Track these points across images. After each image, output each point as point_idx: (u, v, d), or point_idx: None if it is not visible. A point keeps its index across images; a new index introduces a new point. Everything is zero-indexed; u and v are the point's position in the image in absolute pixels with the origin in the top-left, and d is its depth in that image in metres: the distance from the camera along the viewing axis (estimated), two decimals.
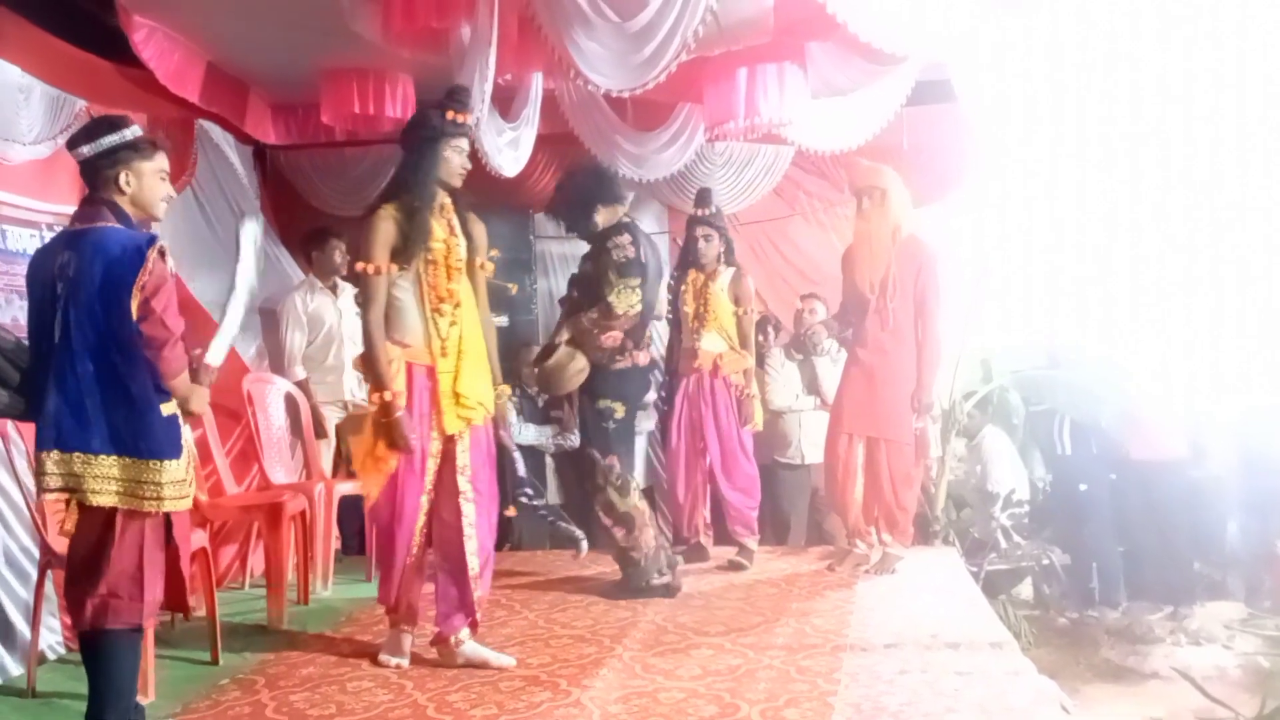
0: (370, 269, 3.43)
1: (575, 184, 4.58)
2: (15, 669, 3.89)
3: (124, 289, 2.72)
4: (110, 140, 2.87)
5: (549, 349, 4.55)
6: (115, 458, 2.77)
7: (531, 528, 6.16)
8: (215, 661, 3.78)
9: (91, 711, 2.82)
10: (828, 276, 6.40)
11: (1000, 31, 4.56)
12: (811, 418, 5.82)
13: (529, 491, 5.98)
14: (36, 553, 4.11)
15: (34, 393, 2.82)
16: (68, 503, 2.80)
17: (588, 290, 4.52)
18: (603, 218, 4.46)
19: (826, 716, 3.02)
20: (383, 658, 3.66)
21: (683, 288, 5.15)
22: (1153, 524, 5.95)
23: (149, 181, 2.92)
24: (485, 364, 3.64)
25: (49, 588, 3.66)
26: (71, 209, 4.65)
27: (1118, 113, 5.41)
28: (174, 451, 2.82)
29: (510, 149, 5.04)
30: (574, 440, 6.13)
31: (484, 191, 6.55)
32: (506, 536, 6.16)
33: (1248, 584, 6.05)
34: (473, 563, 3.54)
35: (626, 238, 4.38)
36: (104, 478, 2.76)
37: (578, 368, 4.46)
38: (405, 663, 3.63)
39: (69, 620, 4.12)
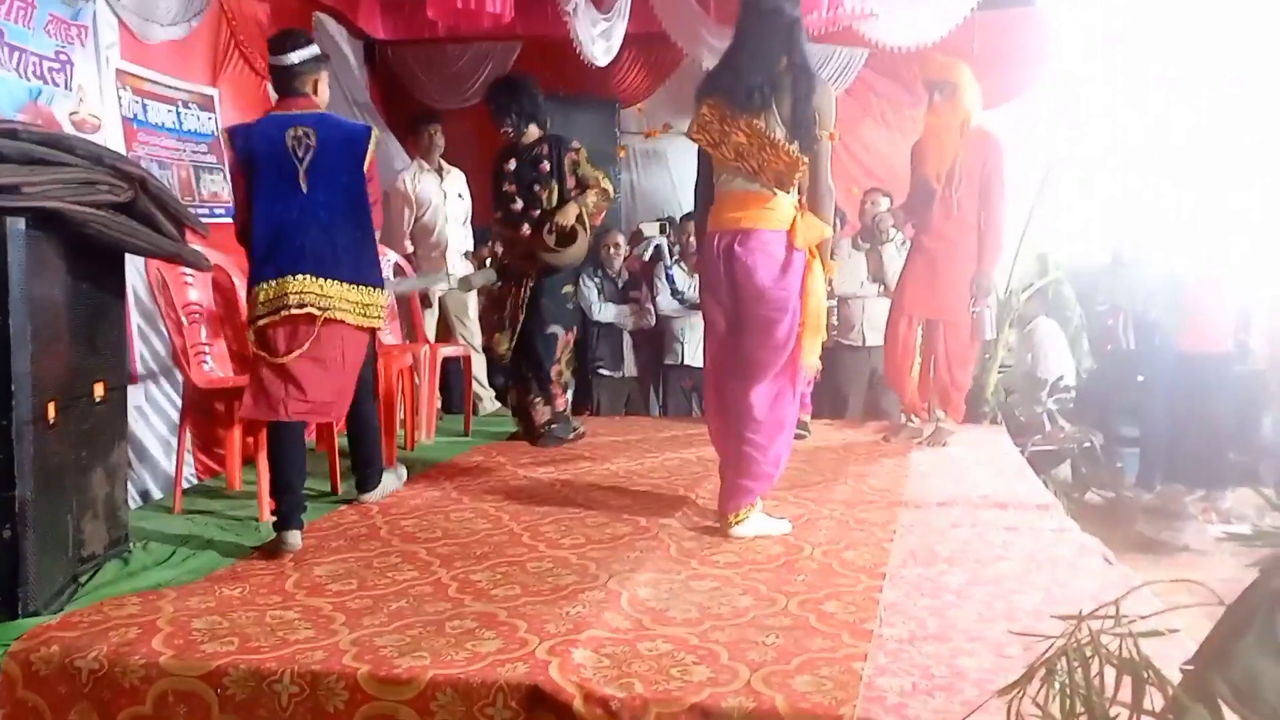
0: (832, 137, 3.29)
1: (530, 89, 4.66)
2: (157, 493, 4.07)
3: (360, 158, 3.28)
4: (313, 50, 3.39)
5: (569, 231, 4.53)
6: (353, 285, 3.25)
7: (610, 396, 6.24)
8: (335, 491, 3.90)
9: (361, 462, 3.74)
10: (894, 174, 6.22)
11: None
12: (874, 304, 5.71)
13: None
14: (174, 396, 4.28)
15: (249, 233, 3.28)
16: (293, 320, 3.18)
17: (543, 184, 4.59)
18: (537, 128, 4.65)
19: (883, 559, 3.02)
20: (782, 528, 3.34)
21: None
22: (1193, 414, 5.79)
23: (325, 85, 3.47)
24: None
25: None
26: (203, 87, 4.75)
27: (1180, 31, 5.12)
28: (383, 283, 3.43)
29: (603, 39, 4.93)
30: (650, 320, 6.14)
31: (575, 83, 6.52)
32: (586, 404, 6.25)
33: (1278, 473, 5.88)
34: None
35: (576, 143, 4.68)
36: (345, 300, 3.23)
37: (586, 246, 4.70)
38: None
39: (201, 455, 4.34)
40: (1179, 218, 6.00)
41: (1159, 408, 5.89)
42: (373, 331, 3.42)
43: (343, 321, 3.22)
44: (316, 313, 3.17)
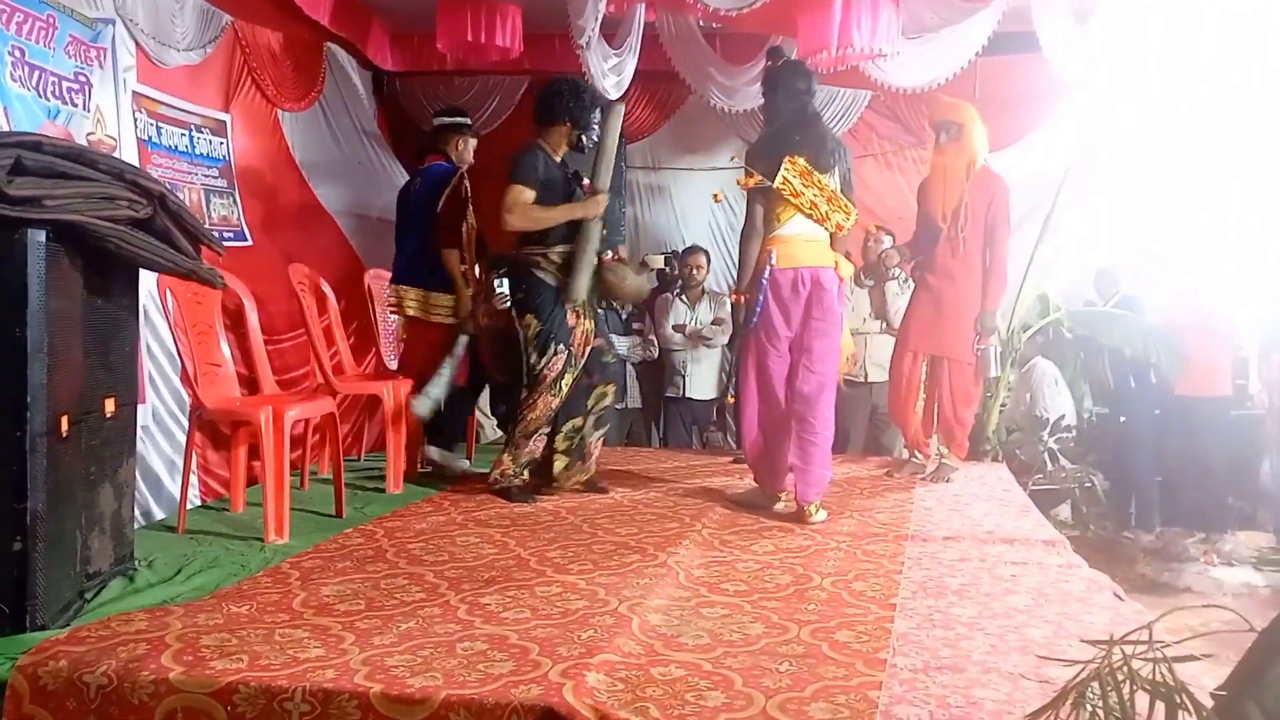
0: None
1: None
2: (159, 513, 4.03)
3: (438, 196, 4.47)
4: (450, 120, 4.76)
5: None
6: (421, 289, 4.55)
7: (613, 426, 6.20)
8: (339, 515, 3.87)
9: (430, 434, 4.67)
10: (893, 213, 6.30)
11: None
12: (876, 340, 5.74)
13: None
14: (180, 416, 4.25)
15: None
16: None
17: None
18: None
19: (892, 591, 3.01)
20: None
21: None
22: (1192, 457, 5.80)
23: (464, 148, 4.71)
24: None
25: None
26: (216, 112, 4.82)
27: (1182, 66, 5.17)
28: (447, 287, 4.52)
29: (613, 74, 4.98)
30: (653, 352, 6.15)
31: None
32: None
33: (1278, 518, 5.88)
34: None
35: None
36: (413, 300, 4.55)
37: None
38: None
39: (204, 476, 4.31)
40: (1177, 260, 6.05)
41: (1146, 449, 5.88)
42: (438, 324, 4.53)
43: (414, 316, 4.57)
44: (396, 310, 4.62)
